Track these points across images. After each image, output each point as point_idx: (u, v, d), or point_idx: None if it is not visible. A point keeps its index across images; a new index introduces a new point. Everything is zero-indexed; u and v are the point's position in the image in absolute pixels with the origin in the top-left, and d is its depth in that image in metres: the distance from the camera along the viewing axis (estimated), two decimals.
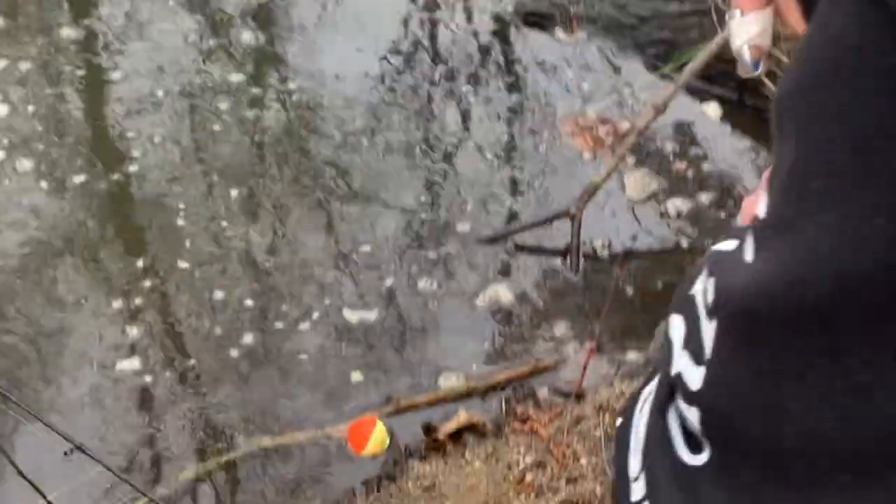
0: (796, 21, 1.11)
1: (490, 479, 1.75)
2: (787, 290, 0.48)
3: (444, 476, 1.77)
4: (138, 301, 2.08)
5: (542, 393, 1.98)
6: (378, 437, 1.88)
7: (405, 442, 1.88)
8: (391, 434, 1.88)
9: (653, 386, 0.67)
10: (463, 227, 2.28)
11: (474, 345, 2.06)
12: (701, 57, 2.32)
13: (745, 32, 1.12)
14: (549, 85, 2.68)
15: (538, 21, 2.86)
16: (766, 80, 2.03)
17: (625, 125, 2.55)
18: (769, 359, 0.48)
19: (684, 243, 2.30)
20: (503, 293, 2.16)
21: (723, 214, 2.41)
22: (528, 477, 1.73)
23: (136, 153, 2.40)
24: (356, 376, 2.00)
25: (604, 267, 2.23)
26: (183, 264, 2.16)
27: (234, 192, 2.33)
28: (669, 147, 2.51)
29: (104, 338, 2.03)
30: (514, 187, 2.39)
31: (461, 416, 1.89)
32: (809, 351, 0.48)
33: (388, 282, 2.16)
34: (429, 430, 1.85)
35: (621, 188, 2.40)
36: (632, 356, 2.05)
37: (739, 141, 2.56)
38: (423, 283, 2.16)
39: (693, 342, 0.55)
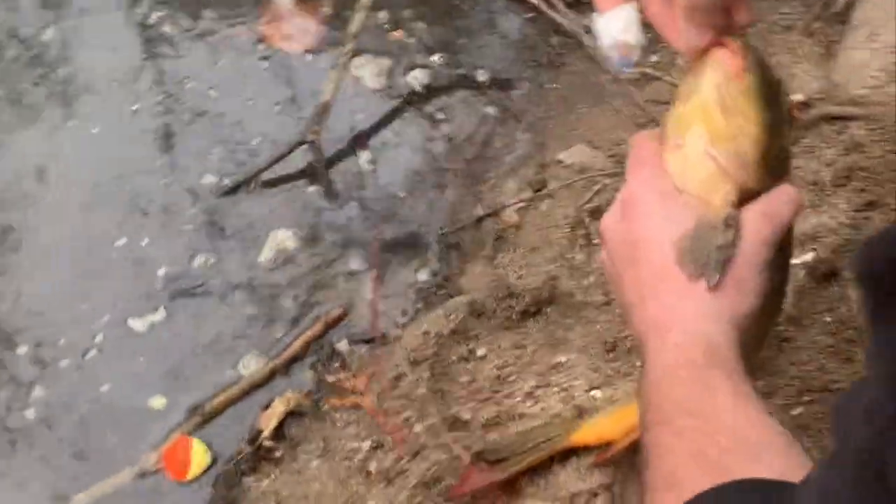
0: (672, 32, 1.01)
1: (334, 479, 1.70)
2: None
3: (287, 488, 1.71)
4: None
5: (343, 346, 1.92)
6: (198, 456, 1.79)
7: (230, 452, 1.79)
8: (210, 447, 1.80)
9: None
10: (208, 180, 2.11)
11: (266, 313, 1.95)
12: None
13: (608, 32, 1.03)
14: None
15: None
16: None
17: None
18: None
19: (441, 115, 2.22)
20: (285, 240, 2.03)
21: (462, 70, 2.31)
22: (372, 466, 1.70)
23: None
24: (157, 396, 1.86)
25: (365, 178, 2.14)
26: None
27: None
28: (380, 17, 2.37)
29: None
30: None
31: (277, 408, 1.81)
32: None
33: (161, 272, 1.99)
34: (253, 440, 1.77)
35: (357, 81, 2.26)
36: (422, 276, 2.00)
37: None
38: (197, 261, 2.01)
39: None
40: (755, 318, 0.98)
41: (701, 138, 0.98)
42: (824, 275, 1.64)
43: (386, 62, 2.29)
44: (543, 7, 2.06)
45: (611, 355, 1.75)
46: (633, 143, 1.04)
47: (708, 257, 0.94)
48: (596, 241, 1.89)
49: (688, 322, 0.95)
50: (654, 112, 1.99)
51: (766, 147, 0.98)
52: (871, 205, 1.75)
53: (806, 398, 1.49)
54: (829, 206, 1.76)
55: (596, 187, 1.96)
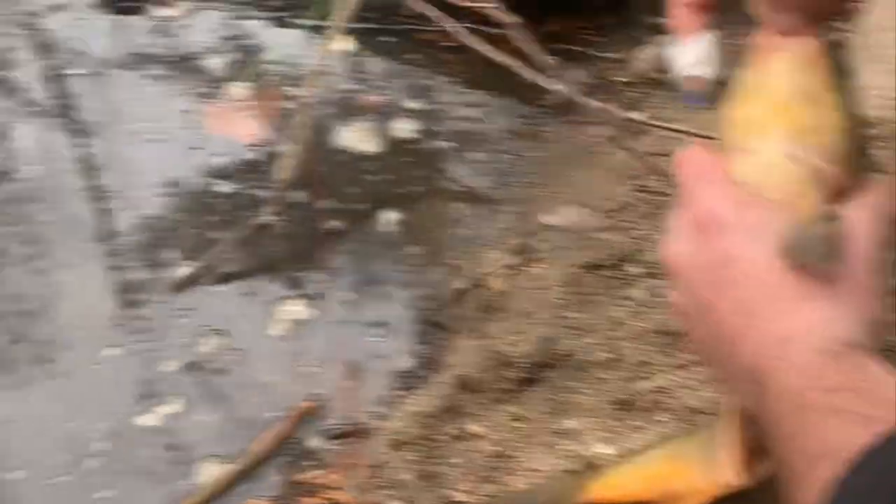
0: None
1: None
2: None
3: None
4: None
5: (316, 443, 1.66)
6: None
7: None
8: None
9: None
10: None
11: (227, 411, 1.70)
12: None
13: (680, 61, 0.91)
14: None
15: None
16: None
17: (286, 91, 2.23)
18: None
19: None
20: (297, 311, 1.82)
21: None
22: None
23: None
24: None
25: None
26: None
27: None
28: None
29: None
30: None
31: None
32: None
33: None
34: None
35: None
36: (402, 363, 1.76)
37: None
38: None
39: None
40: (882, 327, 0.84)
41: (781, 138, 0.85)
42: None
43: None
44: (517, 67, 1.87)
45: (626, 414, 1.49)
46: (682, 161, 0.91)
47: (816, 250, 0.80)
48: (594, 297, 1.66)
49: (815, 327, 0.80)
50: (654, 165, 1.78)
51: (852, 135, 0.87)
52: None
53: None
54: None
55: (590, 244, 1.75)
